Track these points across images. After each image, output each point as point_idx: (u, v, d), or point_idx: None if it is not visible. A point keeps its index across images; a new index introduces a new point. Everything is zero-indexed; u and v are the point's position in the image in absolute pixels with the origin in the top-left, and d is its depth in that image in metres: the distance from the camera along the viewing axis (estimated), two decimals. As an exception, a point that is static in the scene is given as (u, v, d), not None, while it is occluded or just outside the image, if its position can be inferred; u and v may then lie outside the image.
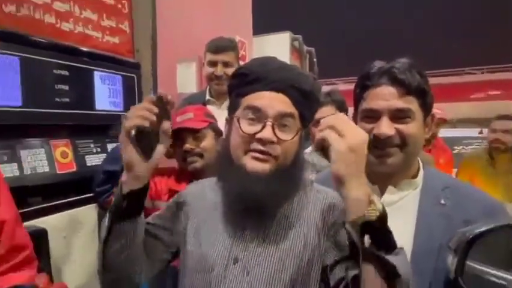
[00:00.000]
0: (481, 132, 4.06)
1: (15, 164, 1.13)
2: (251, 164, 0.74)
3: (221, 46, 1.76)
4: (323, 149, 1.68)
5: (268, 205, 0.76)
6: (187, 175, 1.35)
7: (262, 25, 3.86)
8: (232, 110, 0.81)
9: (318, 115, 1.44)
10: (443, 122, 2.55)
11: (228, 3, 2.63)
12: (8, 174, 1.10)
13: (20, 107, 1.13)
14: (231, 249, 0.77)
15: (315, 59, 4.65)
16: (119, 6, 1.57)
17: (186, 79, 2.54)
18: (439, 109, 2.46)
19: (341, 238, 0.73)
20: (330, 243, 0.75)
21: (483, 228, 0.67)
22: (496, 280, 0.67)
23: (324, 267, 0.75)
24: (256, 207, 0.76)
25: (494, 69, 11.34)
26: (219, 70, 1.72)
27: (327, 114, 1.52)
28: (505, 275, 0.67)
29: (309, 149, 1.57)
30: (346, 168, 0.67)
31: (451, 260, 0.69)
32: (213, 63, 1.75)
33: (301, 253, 0.75)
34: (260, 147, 0.73)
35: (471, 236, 0.67)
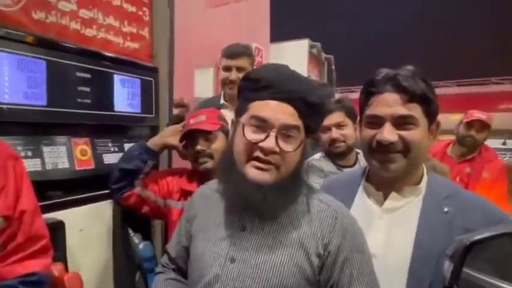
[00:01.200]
0: (504, 143, 3.91)
1: (39, 159, 1.21)
2: (252, 173, 0.75)
3: (236, 52, 1.82)
4: (331, 153, 1.69)
5: (267, 213, 0.78)
6: (198, 175, 1.40)
7: (281, 32, 3.90)
8: (239, 113, 0.84)
9: (327, 121, 1.46)
10: (486, 127, 2.29)
11: (246, 11, 2.69)
12: (31, 168, 1.18)
13: (45, 107, 1.22)
14: (229, 249, 0.79)
15: (333, 66, 4.64)
16: (140, 13, 1.65)
17: (203, 84, 2.62)
18: (483, 114, 2.30)
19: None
20: (340, 267, 0.76)
21: (480, 236, 0.67)
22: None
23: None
24: (256, 209, 0.79)
25: (523, 79, 10.89)
26: (233, 75, 1.78)
27: (336, 121, 1.54)
28: (504, 285, 0.66)
29: (318, 155, 1.59)
30: None
31: (447, 267, 0.69)
32: (228, 68, 1.81)
33: (300, 257, 0.76)
34: (262, 156, 0.75)
35: (467, 243, 0.66)
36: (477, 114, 2.27)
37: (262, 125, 0.76)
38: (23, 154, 1.16)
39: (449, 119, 2.46)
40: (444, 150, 2.42)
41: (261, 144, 0.74)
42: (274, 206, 0.76)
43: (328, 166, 1.52)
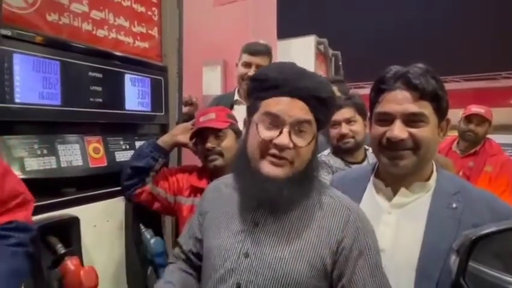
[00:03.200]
0: (516, 139, 3.87)
1: (54, 157, 1.24)
2: (267, 168, 0.77)
3: (258, 50, 1.90)
4: (339, 148, 1.69)
5: (281, 207, 0.80)
6: (207, 172, 1.42)
7: (288, 29, 3.90)
8: (251, 112, 0.85)
9: (336, 116, 1.47)
10: (485, 120, 2.30)
11: (253, 8, 2.70)
12: (47, 166, 1.21)
13: (59, 106, 1.25)
14: (243, 244, 0.81)
15: (340, 63, 4.62)
16: (150, 13, 1.68)
17: (211, 82, 2.64)
18: (480, 108, 2.31)
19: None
20: (353, 263, 0.77)
21: (486, 230, 0.68)
22: (502, 284, 0.67)
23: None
24: (269, 205, 0.81)
25: (534, 73, 10.68)
26: (252, 71, 1.84)
27: (345, 117, 1.54)
28: (510, 279, 0.67)
29: (326, 151, 1.60)
30: None
31: (453, 261, 0.70)
32: (248, 65, 1.89)
33: (313, 254, 0.77)
34: (276, 152, 0.77)
35: (474, 237, 0.68)
36: (474, 109, 2.30)
37: (275, 121, 0.78)
38: (39, 152, 1.20)
39: (457, 115, 2.45)
40: (449, 146, 2.47)
41: (275, 141, 0.76)
42: (290, 199, 0.78)
43: (336, 162, 1.53)
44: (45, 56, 1.21)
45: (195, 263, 0.96)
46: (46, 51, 1.21)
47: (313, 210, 0.82)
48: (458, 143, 2.44)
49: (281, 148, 0.76)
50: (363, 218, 0.82)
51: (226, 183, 0.94)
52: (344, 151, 1.53)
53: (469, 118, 2.32)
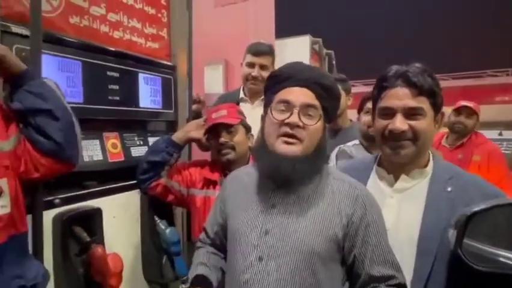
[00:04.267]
0: (500, 134, 4.06)
1: (77, 152, 1.32)
2: (281, 147, 0.90)
3: (261, 50, 1.96)
4: (367, 135, 1.72)
5: (295, 183, 0.91)
6: (219, 165, 1.52)
7: (284, 28, 4.00)
8: (266, 106, 0.98)
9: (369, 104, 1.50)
10: (473, 113, 2.48)
11: (253, 9, 2.79)
12: (72, 160, 1.29)
13: (82, 104, 1.33)
14: (263, 223, 0.91)
15: (334, 62, 4.75)
16: (159, 15, 1.76)
17: (213, 80, 2.73)
18: (469, 102, 2.49)
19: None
20: (362, 236, 0.89)
21: (479, 208, 0.80)
22: (490, 256, 0.79)
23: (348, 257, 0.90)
24: (284, 186, 0.92)
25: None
26: (256, 71, 1.92)
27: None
28: (499, 252, 0.80)
29: (351, 143, 1.68)
30: None
31: (451, 235, 0.82)
32: (252, 65, 1.95)
33: (326, 227, 0.88)
34: (288, 130, 0.90)
35: (469, 213, 0.79)
36: (464, 102, 2.47)
37: (286, 106, 0.92)
38: (64, 147, 1.27)
39: (446, 112, 2.63)
40: (439, 141, 2.64)
41: (287, 120, 0.90)
42: (302, 174, 0.90)
43: (359, 153, 1.58)
44: (69, 57, 1.29)
45: (220, 245, 1.06)
46: (70, 52, 1.29)
47: (324, 191, 0.93)
48: (447, 137, 2.62)
49: (292, 126, 0.90)
50: (370, 197, 0.94)
51: (247, 172, 1.05)
52: (371, 138, 1.50)
53: (458, 110, 2.50)
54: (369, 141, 1.60)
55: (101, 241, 1.30)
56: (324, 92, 0.95)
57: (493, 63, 11.38)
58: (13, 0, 1.11)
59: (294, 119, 0.90)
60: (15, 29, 1.09)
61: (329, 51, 4.69)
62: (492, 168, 2.37)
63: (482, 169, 2.31)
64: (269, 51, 1.99)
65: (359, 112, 1.69)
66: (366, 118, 1.59)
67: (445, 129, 2.64)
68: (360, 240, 0.88)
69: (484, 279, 0.81)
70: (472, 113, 2.46)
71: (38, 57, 1.05)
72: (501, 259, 0.78)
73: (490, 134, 3.97)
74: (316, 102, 0.94)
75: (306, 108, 0.92)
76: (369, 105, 1.49)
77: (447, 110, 2.56)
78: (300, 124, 0.90)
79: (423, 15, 16.96)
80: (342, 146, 1.59)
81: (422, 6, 17.06)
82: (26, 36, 1.09)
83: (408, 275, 0.93)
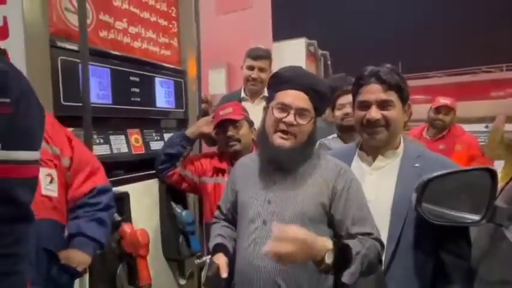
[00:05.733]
0: (486, 127, 4.31)
1: (107, 145, 1.56)
2: (278, 140, 1.13)
3: (258, 55, 2.19)
4: (342, 127, 1.95)
5: (290, 167, 1.15)
6: (227, 156, 1.75)
7: (281, 32, 4.23)
8: (269, 101, 1.21)
9: (343, 100, 1.73)
10: (451, 110, 2.73)
11: (251, 16, 3.03)
12: (103, 152, 1.53)
13: (110, 104, 1.57)
14: (266, 195, 1.14)
15: (329, 62, 4.98)
16: (170, 26, 2.00)
17: (217, 82, 2.97)
18: (447, 99, 2.76)
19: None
20: (344, 201, 1.10)
21: (434, 175, 1.03)
22: (442, 215, 1.03)
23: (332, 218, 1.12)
24: (282, 168, 1.15)
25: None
26: (255, 74, 2.16)
27: (349, 100, 1.77)
28: (447, 211, 1.04)
29: (331, 137, 1.88)
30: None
31: (413, 197, 1.05)
32: (251, 68, 2.19)
33: (315, 196, 1.11)
34: (285, 127, 1.12)
35: (426, 179, 1.02)
36: (443, 100, 2.75)
37: (284, 107, 1.13)
38: (97, 141, 1.51)
39: (425, 108, 2.91)
40: (421, 133, 2.94)
41: (284, 119, 1.12)
42: (295, 161, 1.14)
43: (337, 145, 1.76)
44: (99, 65, 1.52)
45: (232, 219, 1.29)
46: (100, 61, 1.52)
47: (314, 169, 1.16)
48: (427, 130, 2.91)
49: (288, 124, 1.11)
50: (350, 172, 1.17)
51: (251, 158, 1.29)
52: (346, 128, 1.71)
53: (438, 109, 2.76)
54: (344, 131, 1.76)
55: (129, 220, 1.54)
56: (317, 96, 1.15)
57: (487, 59, 11.61)
58: (58, 20, 1.35)
59: (290, 119, 1.10)
60: (60, 43, 1.33)
61: (324, 52, 4.92)
62: (475, 156, 2.68)
63: (463, 157, 2.57)
64: (266, 55, 2.23)
65: (332, 109, 1.81)
66: (338, 113, 1.76)
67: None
68: (342, 205, 1.11)
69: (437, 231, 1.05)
70: (449, 109, 2.73)
71: (86, 67, 1.30)
72: (449, 216, 1.02)
73: (478, 127, 4.20)
74: (309, 106, 1.13)
75: (300, 110, 1.12)
76: (340, 101, 1.70)
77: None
78: (295, 123, 1.11)
79: (417, 13, 17.23)
80: (322, 139, 1.79)
81: (417, 6, 17.33)
82: (68, 49, 1.33)
83: (385, 237, 1.16)
